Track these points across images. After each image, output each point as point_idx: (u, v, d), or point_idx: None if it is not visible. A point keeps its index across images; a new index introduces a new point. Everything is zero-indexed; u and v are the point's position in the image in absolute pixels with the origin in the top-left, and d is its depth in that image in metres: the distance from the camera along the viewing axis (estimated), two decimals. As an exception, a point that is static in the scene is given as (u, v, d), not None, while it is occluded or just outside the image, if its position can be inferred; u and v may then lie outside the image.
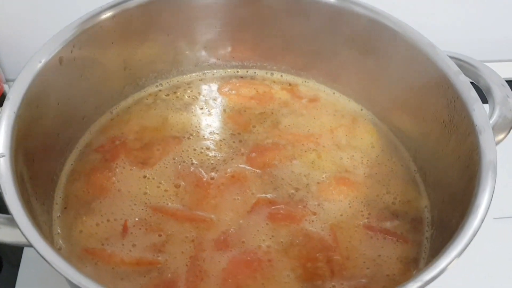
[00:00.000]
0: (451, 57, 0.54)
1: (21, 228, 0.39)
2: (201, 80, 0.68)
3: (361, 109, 0.65)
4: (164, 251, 0.49)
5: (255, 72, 0.69)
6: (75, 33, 0.54)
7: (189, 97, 0.66)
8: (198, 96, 0.66)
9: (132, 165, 0.57)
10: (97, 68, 0.59)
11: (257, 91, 0.66)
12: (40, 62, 0.51)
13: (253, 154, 0.59)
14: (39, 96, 0.50)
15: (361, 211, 0.54)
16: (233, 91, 0.66)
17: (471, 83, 0.52)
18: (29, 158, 0.48)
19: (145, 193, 0.54)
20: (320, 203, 0.54)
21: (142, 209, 0.53)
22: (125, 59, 0.62)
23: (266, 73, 0.69)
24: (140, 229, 0.51)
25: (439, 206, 0.54)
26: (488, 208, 0.42)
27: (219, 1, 0.61)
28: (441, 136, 0.54)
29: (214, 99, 0.65)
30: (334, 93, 0.67)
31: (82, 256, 0.49)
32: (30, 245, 0.39)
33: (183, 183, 0.55)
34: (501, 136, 0.50)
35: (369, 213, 0.54)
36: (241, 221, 0.52)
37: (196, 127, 0.62)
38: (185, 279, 0.47)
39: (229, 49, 0.67)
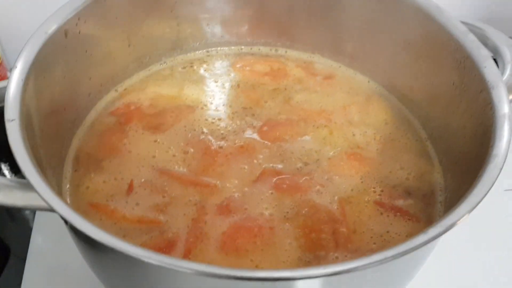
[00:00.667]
0: (459, 21, 0.54)
1: (36, 188, 0.38)
2: (208, 56, 0.68)
3: (376, 87, 0.64)
4: (166, 212, 0.50)
5: (259, 49, 0.69)
6: (80, 5, 0.54)
7: (205, 70, 0.66)
8: (213, 70, 0.66)
9: (144, 129, 0.58)
10: (102, 43, 0.58)
11: (271, 67, 0.66)
12: (46, 33, 0.50)
13: (265, 128, 0.58)
14: (45, 67, 0.50)
15: (373, 187, 0.53)
16: (247, 67, 0.66)
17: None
18: (38, 125, 0.47)
19: (154, 157, 0.55)
20: (330, 177, 0.54)
21: (149, 171, 0.54)
22: (129, 35, 0.61)
23: (276, 50, 0.69)
24: (145, 189, 0.52)
25: (452, 171, 0.54)
26: (506, 157, 0.41)
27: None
28: (452, 98, 0.53)
29: (228, 74, 0.66)
30: (347, 69, 0.67)
31: (87, 210, 0.50)
32: (46, 208, 0.38)
33: (191, 149, 0.56)
34: (512, 96, 0.50)
35: (382, 190, 0.53)
36: (245, 189, 0.52)
37: (210, 98, 0.62)
38: (185, 240, 0.48)
39: (235, 25, 0.67)
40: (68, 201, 0.51)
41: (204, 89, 0.64)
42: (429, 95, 0.58)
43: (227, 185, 0.52)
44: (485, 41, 0.54)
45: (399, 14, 0.58)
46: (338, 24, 0.64)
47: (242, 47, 0.70)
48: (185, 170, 0.54)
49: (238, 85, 0.64)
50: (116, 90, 0.63)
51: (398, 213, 0.51)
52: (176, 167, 0.54)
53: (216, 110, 0.61)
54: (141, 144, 0.56)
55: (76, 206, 0.51)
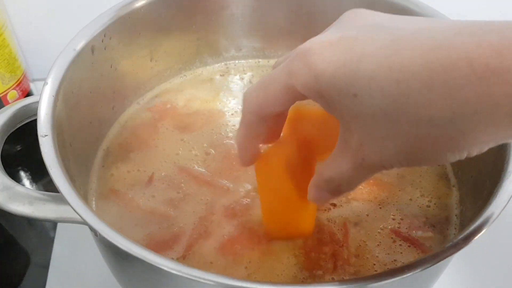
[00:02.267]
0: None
1: (70, 203, 0.39)
2: (227, 68, 0.70)
3: None
4: (178, 207, 0.53)
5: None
6: (106, 22, 0.56)
7: (242, 79, 0.69)
8: (251, 80, 0.69)
9: (174, 127, 0.61)
10: (125, 59, 0.60)
11: None
12: (74, 50, 0.52)
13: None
14: (74, 82, 0.52)
15: (393, 215, 0.53)
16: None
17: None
18: (68, 139, 0.50)
19: (177, 154, 0.58)
20: (347, 200, 0.54)
21: (170, 167, 0.57)
22: (151, 50, 0.63)
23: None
24: (163, 183, 0.55)
25: (469, 194, 0.53)
26: (522, 174, 0.42)
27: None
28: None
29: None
30: None
31: (108, 195, 0.55)
32: (78, 221, 0.40)
33: (213, 151, 0.58)
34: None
35: (401, 218, 0.52)
36: (256, 195, 0.53)
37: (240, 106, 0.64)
38: (189, 235, 0.50)
39: (254, 40, 0.69)
40: (94, 186, 0.56)
41: (239, 96, 0.66)
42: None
43: (239, 189, 0.54)
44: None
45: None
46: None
47: (259, 60, 0.71)
48: (203, 170, 0.56)
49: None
50: (138, 103, 0.65)
51: (413, 246, 0.50)
52: (196, 166, 0.57)
53: None
54: (168, 141, 0.60)
55: (99, 190, 0.55)
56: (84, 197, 0.53)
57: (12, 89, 0.72)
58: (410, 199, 0.54)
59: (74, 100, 0.52)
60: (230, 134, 0.61)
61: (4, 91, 0.71)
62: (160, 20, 0.61)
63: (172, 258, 0.48)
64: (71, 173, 0.46)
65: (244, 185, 0.54)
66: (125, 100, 0.63)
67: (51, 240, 0.65)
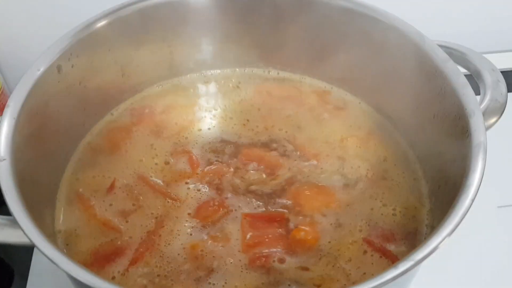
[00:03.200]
0: (440, 46, 0.55)
1: (23, 229, 0.40)
2: (201, 81, 0.70)
3: (381, 120, 0.64)
4: (128, 220, 0.54)
5: (252, 71, 0.71)
6: (72, 41, 0.56)
7: (222, 87, 0.69)
8: (237, 86, 0.69)
9: (149, 131, 0.62)
10: (95, 75, 0.60)
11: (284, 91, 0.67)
12: (39, 70, 0.52)
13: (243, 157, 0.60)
14: (38, 103, 0.52)
15: (359, 225, 0.53)
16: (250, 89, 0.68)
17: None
18: (31, 160, 0.50)
19: (140, 161, 0.59)
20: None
21: (131, 174, 0.58)
22: (122, 65, 0.63)
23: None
24: (123, 192, 0.56)
25: (436, 192, 0.54)
26: (479, 187, 0.42)
27: (213, 6, 0.63)
28: (435, 123, 0.54)
29: (238, 95, 0.67)
30: (346, 94, 0.67)
31: (74, 199, 0.56)
32: (33, 245, 0.40)
33: (172, 160, 0.59)
34: (493, 120, 0.51)
35: (368, 225, 0.53)
36: None
37: (217, 114, 0.65)
38: (135, 249, 0.51)
39: (226, 52, 0.68)
40: (61, 189, 0.57)
41: (218, 106, 0.66)
42: (416, 118, 0.59)
43: (190, 202, 0.55)
44: (467, 65, 0.55)
45: (382, 39, 0.59)
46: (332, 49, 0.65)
47: (236, 69, 0.71)
48: (159, 180, 0.57)
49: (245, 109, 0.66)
50: (112, 114, 0.65)
51: (385, 257, 0.51)
52: (153, 175, 0.58)
53: (218, 127, 0.63)
54: (139, 146, 0.61)
55: (66, 194, 0.56)
56: (52, 204, 0.55)
57: (-11, 105, 0.72)
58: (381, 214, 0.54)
59: (39, 120, 0.52)
60: (198, 143, 0.61)
61: (-19, 108, 0.71)
62: (129, 35, 0.61)
63: (113, 273, 0.50)
64: (31, 195, 0.46)
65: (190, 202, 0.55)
66: (96, 116, 0.63)
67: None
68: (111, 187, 0.56)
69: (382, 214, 0.54)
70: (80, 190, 0.56)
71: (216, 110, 0.66)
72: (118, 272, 0.50)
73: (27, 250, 0.66)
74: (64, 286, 0.60)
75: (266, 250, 0.51)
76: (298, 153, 0.59)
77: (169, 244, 0.52)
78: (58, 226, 0.54)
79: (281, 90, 0.68)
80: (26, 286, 0.62)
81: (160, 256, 0.51)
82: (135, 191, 0.56)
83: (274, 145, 0.60)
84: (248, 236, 0.52)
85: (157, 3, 0.61)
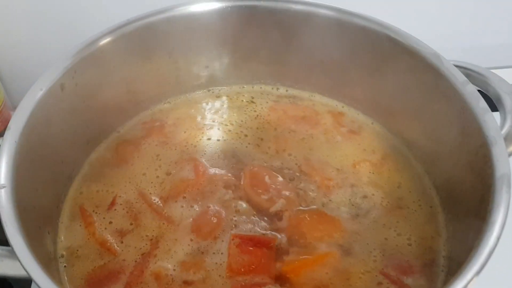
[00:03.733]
0: (457, 66, 0.53)
1: (22, 262, 0.38)
2: (211, 97, 0.68)
3: (395, 143, 0.61)
4: (124, 241, 0.52)
5: (260, 88, 0.69)
6: (76, 59, 0.54)
7: (233, 102, 0.67)
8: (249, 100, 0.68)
9: (157, 143, 0.61)
10: (100, 92, 0.59)
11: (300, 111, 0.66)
12: (41, 89, 0.51)
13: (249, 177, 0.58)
14: (41, 123, 0.50)
15: (373, 255, 0.51)
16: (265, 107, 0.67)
17: (480, 91, 0.51)
18: (32, 182, 0.48)
19: (144, 174, 0.58)
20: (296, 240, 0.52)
21: (132, 190, 0.57)
22: (128, 82, 0.61)
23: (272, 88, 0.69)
24: (123, 209, 0.55)
25: (454, 222, 0.52)
26: (504, 224, 0.40)
27: (220, 22, 0.61)
28: (453, 148, 0.52)
29: (253, 111, 0.66)
30: (359, 114, 0.65)
31: (76, 215, 0.54)
32: (30, 278, 0.38)
33: (174, 171, 0.58)
34: (515, 146, 0.49)
35: (383, 255, 0.50)
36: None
37: (233, 129, 0.63)
38: (130, 273, 0.49)
39: (231, 67, 0.66)
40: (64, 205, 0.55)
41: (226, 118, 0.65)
42: (432, 142, 0.57)
43: (184, 223, 0.53)
44: (486, 88, 0.53)
45: (396, 60, 0.57)
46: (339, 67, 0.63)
47: (244, 86, 0.69)
48: (157, 197, 0.56)
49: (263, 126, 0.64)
50: (118, 132, 0.63)
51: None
52: (152, 191, 0.56)
53: (225, 142, 0.62)
54: (145, 158, 0.60)
55: (71, 209, 0.55)
56: (55, 223, 0.53)
57: (-10, 120, 0.71)
58: (396, 244, 0.52)
59: (41, 141, 0.50)
60: (205, 153, 0.60)
61: (-18, 123, 0.69)
62: (134, 51, 0.59)
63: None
64: (32, 220, 0.45)
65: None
66: (100, 135, 0.61)
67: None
68: (112, 203, 0.55)
69: (397, 244, 0.51)
70: (83, 204, 0.55)
71: (232, 124, 0.64)
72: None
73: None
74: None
75: (252, 279, 0.49)
76: (307, 179, 0.57)
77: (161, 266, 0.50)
78: (59, 248, 0.52)
79: (297, 109, 0.66)
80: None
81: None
82: (134, 209, 0.55)
83: (285, 171, 0.58)
84: (234, 261, 0.50)
85: (161, 18, 0.59)
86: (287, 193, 0.56)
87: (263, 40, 0.63)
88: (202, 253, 0.51)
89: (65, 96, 0.53)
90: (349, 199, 0.55)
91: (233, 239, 0.51)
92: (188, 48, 0.63)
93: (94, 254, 0.51)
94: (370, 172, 0.58)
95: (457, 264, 0.45)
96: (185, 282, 0.49)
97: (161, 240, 0.52)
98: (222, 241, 0.51)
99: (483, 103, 0.48)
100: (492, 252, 0.38)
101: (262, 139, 0.62)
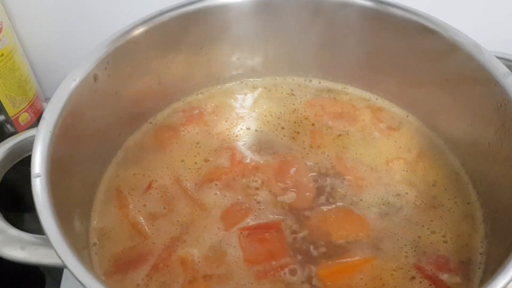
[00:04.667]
0: (498, 58, 0.51)
1: (57, 251, 0.38)
2: (247, 88, 0.68)
3: (432, 138, 0.60)
4: (155, 225, 0.53)
5: (293, 80, 0.68)
6: (109, 50, 0.54)
7: (271, 93, 0.67)
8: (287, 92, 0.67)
9: (197, 129, 0.62)
10: (132, 84, 0.58)
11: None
12: (75, 80, 0.51)
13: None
14: (74, 114, 0.50)
15: (405, 251, 0.50)
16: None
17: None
18: (68, 171, 0.48)
19: (182, 161, 0.59)
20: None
21: (169, 176, 0.57)
22: (159, 74, 0.61)
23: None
24: (158, 193, 0.56)
25: (492, 217, 0.50)
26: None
27: (254, 13, 0.60)
28: (494, 141, 0.50)
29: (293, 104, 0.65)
30: (393, 107, 0.64)
31: (112, 195, 0.55)
32: (66, 267, 0.38)
33: (212, 158, 0.59)
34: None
35: (415, 251, 0.50)
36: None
37: (271, 121, 0.63)
38: (158, 255, 0.50)
39: (263, 59, 0.66)
40: (101, 187, 0.56)
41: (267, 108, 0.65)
42: (470, 135, 0.55)
43: (215, 212, 0.53)
44: (528, 80, 0.51)
45: (436, 50, 0.55)
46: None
47: (276, 77, 0.68)
48: (191, 183, 0.56)
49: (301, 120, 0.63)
50: (150, 123, 0.63)
51: (434, 285, 0.47)
52: (188, 177, 0.57)
53: (265, 131, 0.62)
54: (184, 145, 0.60)
55: (107, 190, 0.56)
56: (89, 207, 0.54)
57: (24, 111, 0.71)
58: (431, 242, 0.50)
59: (75, 132, 0.51)
60: (244, 142, 0.60)
61: (16, 114, 0.71)
62: (167, 43, 0.59)
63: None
64: (66, 207, 0.45)
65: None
66: (132, 125, 0.61)
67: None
68: (149, 186, 0.56)
69: (431, 242, 0.50)
70: (120, 186, 0.56)
71: (271, 116, 0.64)
72: (142, 279, 0.48)
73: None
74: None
75: (272, 263, 0.49)
76: (338, 176, 0.56)
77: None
78: (92, 228, 0.53)
79: (335, 105, 0.65)
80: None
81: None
82: (168, 194, 0.55)
83: (317, 167, 0.57)
84: (248, 252, 0.50)
85: (195, 9, 0.58)
86: (308, 186, 0.55)
87: (296, 32, 0.62)
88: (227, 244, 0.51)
89: (98, 87, 0.53)
90: (382, 198, 0.54)
91: (241, 233, 0.51)
92: (220, 39, 0.62)
93: (126, 236, 0.52)
94: (404, 170, 0.57)
95: (495, 262, 0.44)
96: (206, 276, 0.49)
97: (191, 226, 0.52)
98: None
99: (526, 95, 0.47)
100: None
101: (298, 133, 0.61)
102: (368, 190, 0.55)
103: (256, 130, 0.62)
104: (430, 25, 0.54)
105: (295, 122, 0.63)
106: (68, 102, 0.49)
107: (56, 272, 0.63)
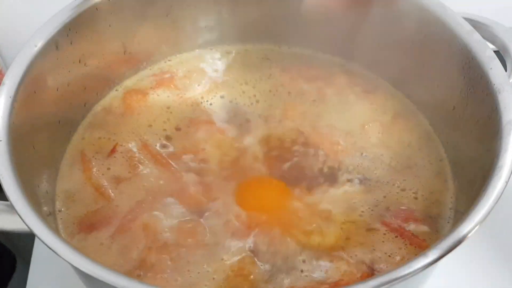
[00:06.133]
0: (463, 18, 0.51)
1: (21, 215, 0.37)
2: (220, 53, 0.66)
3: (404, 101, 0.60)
4: (119, 188, 0.52)
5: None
6: (71, 15, 0.52)
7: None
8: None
9: (167, 92, 0.61)
10: (96, 52, 0.57)
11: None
12: (36, 46, 0.49)
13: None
14: (36, 81, 0.49)
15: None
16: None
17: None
18: (30, 140, 0.48)
19: (150, 126, 0.58)
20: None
21: (135, 140, 0.56)
22: (124, 42, 0.60)
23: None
24: (123, 157, 0.55)
25: (460, 174, 0.51)
26: (512, 169, 0.39)
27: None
28: (459, 101, 0.51)
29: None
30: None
31: (77, 159, 0.55)
32: (31, 232, 0.38)
33: (183, 128, 0.57)
34: (523, 96, 0.48)
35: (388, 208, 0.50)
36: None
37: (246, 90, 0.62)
38: (122, 217, 0.49)
39: (231, 26, 0.65)
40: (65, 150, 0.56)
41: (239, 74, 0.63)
42: (437, 95, 0.55)
43: (186, 177, 0.52)
44: (493, 39, 0.52)
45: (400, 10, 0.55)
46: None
47: (247, 44, 0.67)
48: (163, 149, 0.55)
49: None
50: (117, 90, 0.62)
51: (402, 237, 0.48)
52: (158, 143, 0.56)
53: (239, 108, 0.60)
54: (153, 108, 0.59)
55: (72, 154, 0.55)
56: (56, 167, 0.53)
57: (-14, 86, 0.69)
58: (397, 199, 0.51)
59: (37, 99, 0.49)
60: (216, 110, 0.59)
61: (-23, 89, 0.68)
62: (131, 9, 0.58)
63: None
64: (30, 171, 0.45)
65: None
66: (97, 95, 0.60)
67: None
68: (113, 151, 0.55)
69: (398, 199, 0.51)
70: (84, 150, 0.55)
71: (246, 84, 0.62)
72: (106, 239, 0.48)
73: (28, 236, 0.63)
74: (67, 272, 0.58)
75: None
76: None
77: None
78: (58, 191, 0.52)
79: (310, 69, 0.64)
80: (29, 272, 0.59)
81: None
82: (135, 158, 0.55)
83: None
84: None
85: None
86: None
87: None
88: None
89: (60, 54, 0.52)
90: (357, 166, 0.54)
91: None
92: (186, 5, 0.61)
93: (89, 199, 0.51)
94: (379, 133, 0.57)
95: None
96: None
97: (158, 191, 0.51)
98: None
99: (489, 51, 0.47)
100: (500, 195, 0.38)
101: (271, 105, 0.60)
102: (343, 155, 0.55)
103: (230, 102, 0.60)
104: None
105: (270, 91, 0.62)
106: (29, 68, 0.48)
107: (26, 253, 0.62)
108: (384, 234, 0.48)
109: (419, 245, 0.47)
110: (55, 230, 0.48)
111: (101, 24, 0.56)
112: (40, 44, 0.49)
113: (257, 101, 0.61)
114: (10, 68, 0.47)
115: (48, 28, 0.51)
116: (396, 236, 0.48)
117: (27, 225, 0.37)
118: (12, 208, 0.40)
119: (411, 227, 0.48)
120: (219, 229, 0.48)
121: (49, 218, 0.48)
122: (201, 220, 0.49)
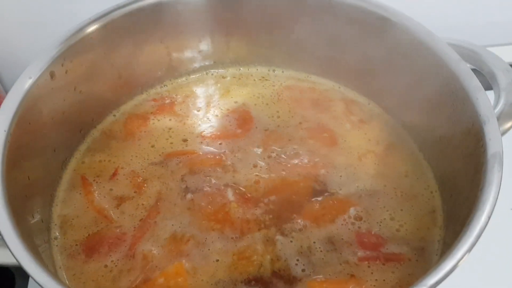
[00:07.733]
0: (451, 44, 0.52)
1: (13, 252, 0.38)
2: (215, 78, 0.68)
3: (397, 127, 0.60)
4: (121, 209, 0.54)
5: (256, 70, 0.68)
6: (64, 47, 0.53)
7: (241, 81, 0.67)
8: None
9: (169, 117, 0.62)
10: (91, 79, 0.58)
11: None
12: (30, 78, 0.50)
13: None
14: (31, 112, 0.50)
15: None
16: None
17: (474, 70, 0.50)
18: (25, 168, 0.48)
19: (153, 146, 0.59)
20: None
21: (139, 163, 0.58)
22: (119, 68, 0.61)
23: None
24: (126, 179, 0.56)
25: (448, 204, 0.52)
26: (495, 203, 0.39)
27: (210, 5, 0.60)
28: (447, 129, 0.51)
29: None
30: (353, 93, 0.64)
31: (77, 183, 0.56)
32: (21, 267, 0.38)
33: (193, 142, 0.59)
34: (508, 124, 0.48)
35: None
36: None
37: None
38: (132, 235, 0.51)
39: (224, 50, 0.66)
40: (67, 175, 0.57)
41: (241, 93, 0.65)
42: (426, 122, 0.56)
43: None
44: (480, 66, 0.52)
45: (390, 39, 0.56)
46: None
47: (241, 68, 0.68)
48: (162, 168, 0.57)
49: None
50: (114, 115, 0.63)
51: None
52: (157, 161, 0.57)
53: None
54: (155, 132, 0.61)
55: (72, 176, 0.57)
56: (51, 193, 0.55)
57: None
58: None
59: (32, 131, 0.50)
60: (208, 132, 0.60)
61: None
62: (124, 37, 0.59)
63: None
64: (23, 205, 0.46)
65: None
66: (93, 121, 0.61)
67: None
68: (114, 174, 0.57)
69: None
70: (85, 173, 0.57)
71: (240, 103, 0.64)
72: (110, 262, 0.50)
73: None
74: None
75: None
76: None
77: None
78: (54, 217, 0.53)
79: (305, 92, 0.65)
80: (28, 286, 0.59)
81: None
82: (139, 180, 0.56)
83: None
84: None
85: (150, 4, 0.58)
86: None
87: (253, 22, 0.62)
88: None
89: (55, 84, 0.53)
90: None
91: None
92: (179, 32, 0.62)
93: (91, 221, 0.53)
94: (375, 164, 0.57)
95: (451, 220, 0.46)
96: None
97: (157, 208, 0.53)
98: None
99: (476, 82, 0.48)
100: (483, 230, 0.38)
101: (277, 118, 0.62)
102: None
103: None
104: (383, 12, 0.55)
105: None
106: (24, 100, 0.49)
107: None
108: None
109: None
110: (49, 258, 0.48)
111: (95, 52, 0.57)
112: (35, 75, 0.50)
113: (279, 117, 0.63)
114: (4, 102, 0.48)
115: (42, 59, 0.52)
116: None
117: (17, 261, 0.38)
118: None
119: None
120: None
121: (44, 246, 0.49)
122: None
